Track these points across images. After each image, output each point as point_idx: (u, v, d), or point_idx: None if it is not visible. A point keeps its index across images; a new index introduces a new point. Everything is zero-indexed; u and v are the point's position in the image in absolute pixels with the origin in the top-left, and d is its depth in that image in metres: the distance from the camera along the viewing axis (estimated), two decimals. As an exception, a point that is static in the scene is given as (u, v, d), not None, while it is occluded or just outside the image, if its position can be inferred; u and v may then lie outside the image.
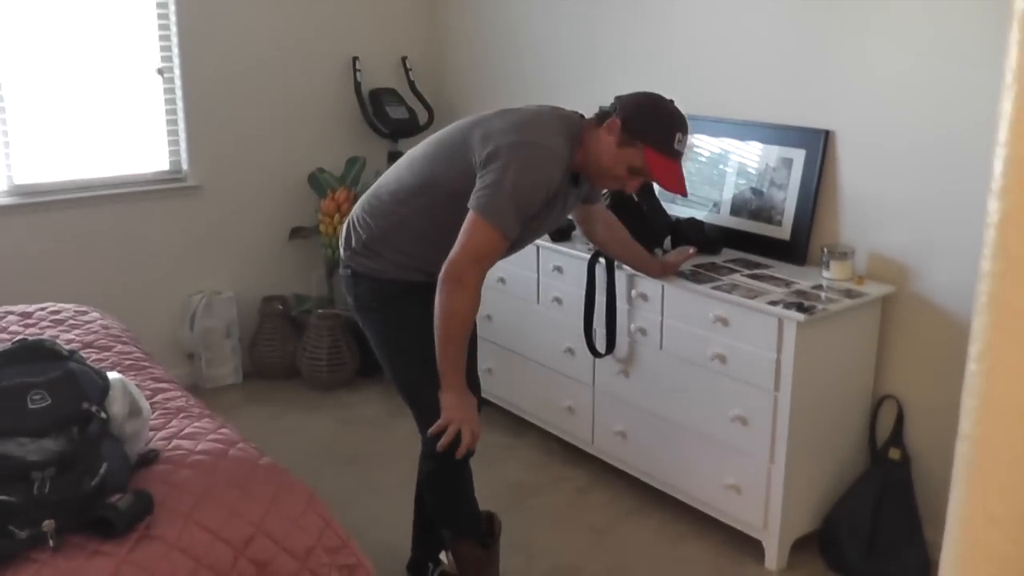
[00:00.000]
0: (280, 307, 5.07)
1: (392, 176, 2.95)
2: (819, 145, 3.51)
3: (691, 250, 3.53)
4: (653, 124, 2.75)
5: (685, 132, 2.78)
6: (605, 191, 3.52)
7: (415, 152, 2.96)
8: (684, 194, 2.87)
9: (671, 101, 2.82)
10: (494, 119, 2.80)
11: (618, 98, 2.81)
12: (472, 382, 2.96)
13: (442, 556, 3.16)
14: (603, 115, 2.80)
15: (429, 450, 2.84)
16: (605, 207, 3.38)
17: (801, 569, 3.37)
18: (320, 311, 4.94)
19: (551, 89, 4.45)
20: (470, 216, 2.64)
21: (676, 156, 2.77)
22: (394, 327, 2.92)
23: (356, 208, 3.01)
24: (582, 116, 2.89)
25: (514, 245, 2.81)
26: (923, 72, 3.20)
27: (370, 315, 2.96)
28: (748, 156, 3.77)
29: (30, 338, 2.44)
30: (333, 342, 4.91)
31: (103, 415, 2.19)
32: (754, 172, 3.74)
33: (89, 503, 2.07)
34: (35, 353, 2.28)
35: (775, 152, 3.67)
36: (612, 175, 2.81)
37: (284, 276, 5.17)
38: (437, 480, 3.00)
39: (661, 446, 3.64)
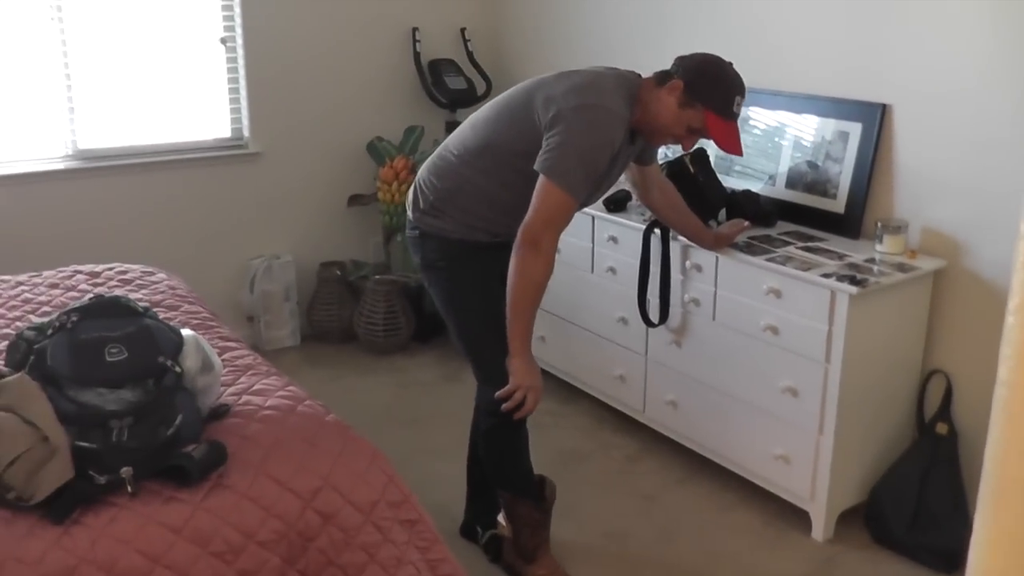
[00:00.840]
0: (338, 272, 5.16)
1: (457, 138, 3.01)
2: (876, 119, 3.52)
3: (745, 223, 3.56)
4: (714, 88, 2.81)
5: (743, 95, 2.86)
6: (662, 162, 3.57)
7: (478, 115, 3.01)
8: (740, 154, 2.94)
9: (730, 64, 2.88)
10: (555, 82, 2.84)
11: (680, 59, 2.87)
12: None
13: (500, 518, 3.24)
14: (665, 75, 2.86)
15: (491, 408, 2.92)
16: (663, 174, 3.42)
17: (846, 541, 3.41)
18: (377, 277, 5.03)
19: (609, 60, 4.47)
20: (540, 180, 2.70)
21: (734, 118, 2.85)
22: (460, 286, 2.98)
23: (422, 170, 3.07)
24: (638, 75, 2.94)
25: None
26: (982, 46, 3.20)
27: (437, 274, 3.02)
28: (805, 129, 3.79)
29: (106, 295, 2.52)
30: (389, 307, 5.00)
31: (177, 369, 2.27)
32: (810, 145, 3.76)
33: (165, 452, 2.16)
34: (111, 309, 2.37)
35: (832, 125, 3.68)
36: (671, 133, 2.89)
37: (342, 242, 5.27)
38: (495, 438, 3.08)
39: (711, 416, 3.69)
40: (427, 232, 2.99)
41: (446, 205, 2.95)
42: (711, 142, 2.94)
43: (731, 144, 2.87)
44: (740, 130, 2.92)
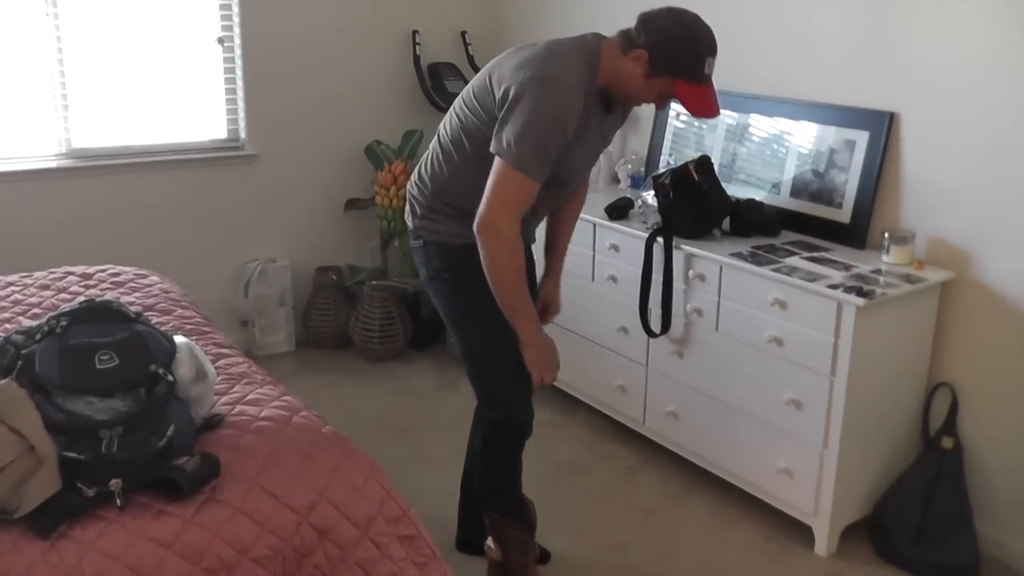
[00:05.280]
0: (334, 277, 5.10)
1: (435, 138, 2.94)
2: (883, 127, 3.47)
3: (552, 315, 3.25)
4: (682, 56, 2.62)
5: (714, 53, 2.66)
6: (666, 170, 3.51)
7: (449, 111, 2.92)
8: (716, 114, 2.75)
9: (697, 18, 2.68)
10: (507, 58, 2.73)
11: (644, 22, 2.67)
12: None
13: (488, 543, 3.15)
14: (628, 41, 2.67)
15: (491, 431, 2.91)
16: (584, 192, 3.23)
17: (850, 556, 3.36)
18: (374, 282, 4.97)
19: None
20: (495, 162, 2.59)
21: (707, 81, 2.67)
22: (464, 300, 2.87)
23: (412, 177, 3.00)
24: (599, 38, 2.76)
25: (556, 182, 2.73)
26: (992, 55, 3.16)
27: (442, 286, 2.92)
28: (810, 137, 3.73)
29: (97, 298, 2.45)
30: (386, 314, 4.94)
31: (170, 378, 2.21)
32: (816, 154, 3.70)
33: (156, 463, 2.09)
34: (103, 314, 2.30)
35: (838, 134, 3.63)
36: (642, 100, 2.77)
37: (339, 246, 5.22)
38: (492, 461, 3.02)
39: (713, 428, 3.63)
40: (430, 240, 2.90)
41: (440, 204, 2.85)
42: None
43: (705, 109, 2.71)
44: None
